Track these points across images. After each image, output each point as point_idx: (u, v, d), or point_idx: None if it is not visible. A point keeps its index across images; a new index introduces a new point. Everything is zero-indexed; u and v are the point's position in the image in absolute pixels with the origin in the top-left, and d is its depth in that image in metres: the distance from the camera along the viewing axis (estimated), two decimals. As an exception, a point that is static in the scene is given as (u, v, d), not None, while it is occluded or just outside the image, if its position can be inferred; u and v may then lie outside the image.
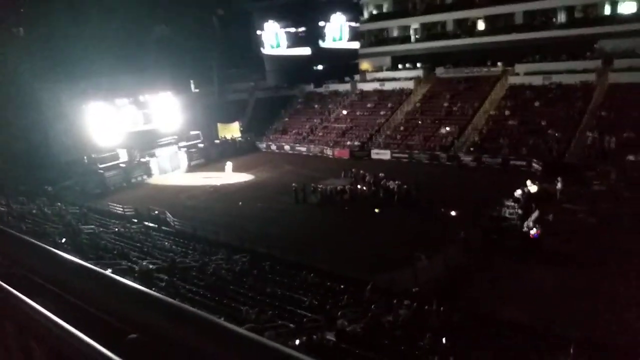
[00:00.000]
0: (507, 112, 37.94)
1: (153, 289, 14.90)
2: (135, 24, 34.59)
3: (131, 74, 37.85)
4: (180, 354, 1.74)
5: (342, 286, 16.78)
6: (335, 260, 18.95)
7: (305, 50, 18.14)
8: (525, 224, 21.04)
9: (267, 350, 1.49)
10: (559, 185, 25.27)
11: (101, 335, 1.87)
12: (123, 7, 30.55)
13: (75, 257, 2.78)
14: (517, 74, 40.95)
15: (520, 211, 22.16)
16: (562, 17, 40.42)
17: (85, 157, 36.12)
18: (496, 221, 21.85)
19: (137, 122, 39.19)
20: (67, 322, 2.00)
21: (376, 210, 26.03)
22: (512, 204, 23.02)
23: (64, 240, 20.15)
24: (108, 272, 2.56)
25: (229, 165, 36.73)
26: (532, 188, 24.98)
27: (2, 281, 2.70)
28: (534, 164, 31.16)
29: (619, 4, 38.58)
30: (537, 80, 39.09)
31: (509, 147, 34.21)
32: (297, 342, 10.71)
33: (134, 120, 38.97)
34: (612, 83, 35.60)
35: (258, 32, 19.58)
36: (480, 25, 45.23)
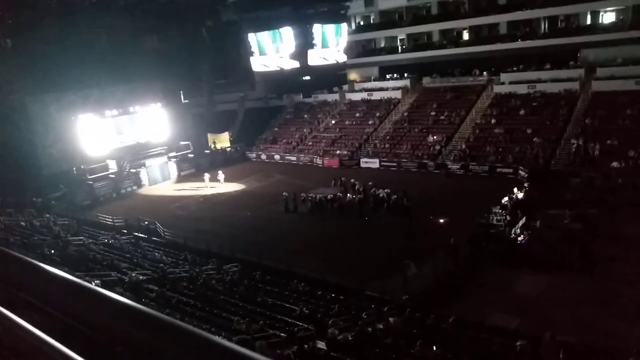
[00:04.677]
0: (493, 121, 38.49)
1: (143, 300, 14.88)
2: (125, 35, 34.62)
3: (121, 86, 37.91)
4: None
5: (332, 295, 16.91)
6: (325, 268, 19.07)
7: (294, 64, 18.34)
8: (513, 230, 21.39)
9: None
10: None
11: (88, 350, 1.96)
12: (113, 18, 30.61)
13: (63, 270, 2.85)
14: (502, 83, 41.59)
15: (507, 218, 22.49)
16: (545, 27, 41.24)
17: (74, 168, 35.94)
18: (484, 228, 22.15)
19: (127, 133, 39.21)
20: (54, 339, 2.08)
21: (365, 218, 26.32)
22: (500, 210, 23.36)
23: (52, 252, 20.06)
24: (95, 284, 2.64)
25: (206, 176, 36.76)
26: (519, 195, 25.39)
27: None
28: (520, 171, 31.64)
29: (600, 14, 39.50)
30: (521, 89, 39.72)
31: (495, 155, 34.71)
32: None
33: (124, 131, 38.98)
34: (595, 91, 36.31)
35: (246, 43, 19.79)
36: (465, 36, 45.94)
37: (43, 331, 2.21)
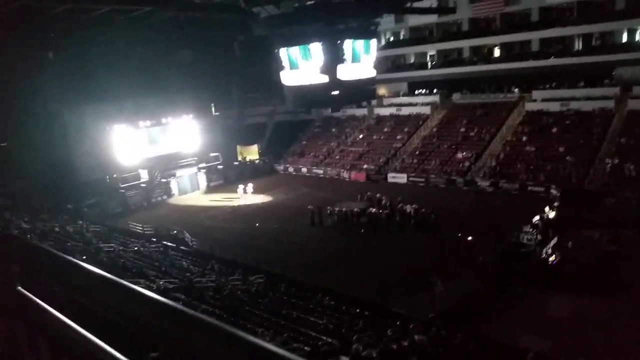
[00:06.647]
0: (524, 138, 37.84)
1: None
2: (159, 49, 35.72)
3: (154, 97, 38.98)
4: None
5: (357, 310, 16.75)
6: (351, 283, 18.96)
7: (323, 78, 18.48)
8: (544, 250, 20.86)
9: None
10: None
11: (126, 347, 2.02)
12: (148, 32, 31.61)
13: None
14: (534, 100, 40.91)
15: (538, 237, 21.95)
16: (579, 45, 40.52)
17: (107, 177, 36.95)
18: (514, 247, 21.65)
19: (159, 144, 40.19)
20: (95, 335, 2.15)
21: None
22: (530, 229, 22.81)
23: (84, 258, 20.53)
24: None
25: (241, 188, 36.97)
26: (550, 214, 24.80)
27: (34, 296, 2.85)
28: (552, 190, 30.89)
29: (636, 31, 38.59)
30: (554, 107, 38.99)
31: (526, 173, 34.04)
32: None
33: (156, 141, 39.98)
34: (631, 110, 35.34)
35: (277, 58, 20.09)
36: (497, 52, 45.50)
37: (81, 325, 2.28)
